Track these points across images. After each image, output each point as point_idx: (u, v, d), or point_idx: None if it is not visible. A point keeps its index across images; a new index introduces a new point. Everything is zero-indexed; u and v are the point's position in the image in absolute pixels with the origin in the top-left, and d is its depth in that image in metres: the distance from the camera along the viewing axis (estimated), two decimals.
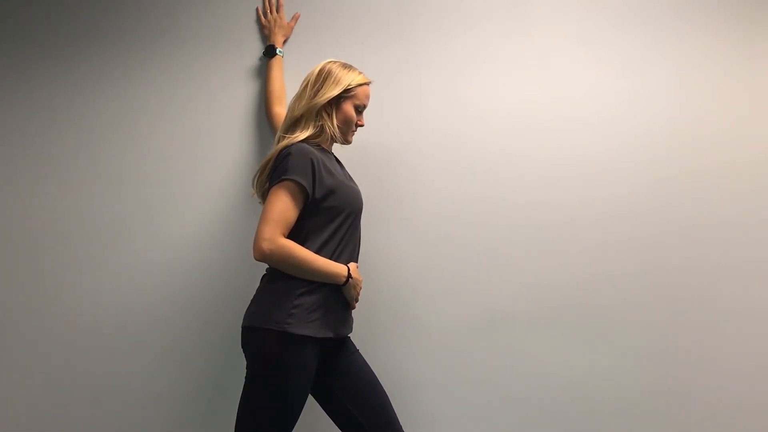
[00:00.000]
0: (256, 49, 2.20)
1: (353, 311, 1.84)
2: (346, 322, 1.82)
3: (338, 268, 1.74)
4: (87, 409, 2.13)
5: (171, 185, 2.17)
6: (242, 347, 1.72)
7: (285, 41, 2.18)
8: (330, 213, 1.74)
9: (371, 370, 1.85)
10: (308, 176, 1.70)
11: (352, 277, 1.76)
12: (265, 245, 1.65)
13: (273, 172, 1.73)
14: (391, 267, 2.11)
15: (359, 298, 1.83)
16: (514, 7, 2.17)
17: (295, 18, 2.19)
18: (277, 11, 2.19)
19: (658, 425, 2.05)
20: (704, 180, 2.11)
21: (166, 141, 2.19)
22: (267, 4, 2.19)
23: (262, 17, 2.19)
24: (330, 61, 1.85)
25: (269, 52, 2.14)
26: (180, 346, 2.11)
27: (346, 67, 1.85)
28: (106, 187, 2.18)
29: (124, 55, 2.22)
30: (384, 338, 2.09)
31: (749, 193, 2.10)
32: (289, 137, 1.77)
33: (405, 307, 2.10)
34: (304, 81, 1.84)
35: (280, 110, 2.07)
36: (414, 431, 2.05)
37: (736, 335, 2.06)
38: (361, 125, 1.90)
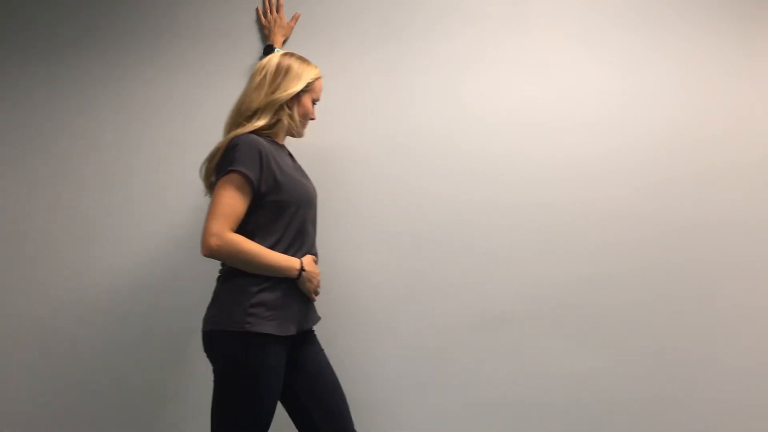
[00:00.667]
0: (256, 48, 2.20)
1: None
2: (308, 315, 1.78)
3: (290, 262, 1.69)
4: (87, 408, 2.13)
5: (171, 185, 2.17)
6: (205, 352, 1.67)
7: (285, 41, 2.18)
8: (278, 207, 1.70)
9: (333, 371, 1.81)
10: (255, 168, 1.65)
11: (305, 270, 1.71)
12: (213, 241, 1.60)
13: (220, 164, 1.69)
14: (391, 267, 2.10)
15: (318, 290, 1.78)
16: (514, 7, 2.17)
17: (295, 18, 2.19)
18: (277, 11, 2.18)
19: (659, 425, 2.05)
20: (704, 180, 2.11)
21: (166, 141, 2.19)
22: (267, 4, 2.19)
23: (262, 17, 2.19)
24: (287, 55, 1.83)
25: (268, 51, 2.13)
26: (179, 346, 2.11)
27: (304, 61, 1.83)
28: (105, 186, 2.18)
29: (124, 54, 2.22)
30: (384, 338, 2.09)
31: (749, 193, 2.10)
32: (241, 128, 1.72)
33: (406, 308, 2.10)
34: (259, 72, 1.78)
35: None
36: (415, 431, 2.06)
37: (736, 335, 2.06)
38: (313, 118, 1.88)
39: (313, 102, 1.86)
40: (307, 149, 2.06)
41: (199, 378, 2.03)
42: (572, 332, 2.07)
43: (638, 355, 2.06)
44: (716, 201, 2.10)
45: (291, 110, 1.80)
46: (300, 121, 1.83)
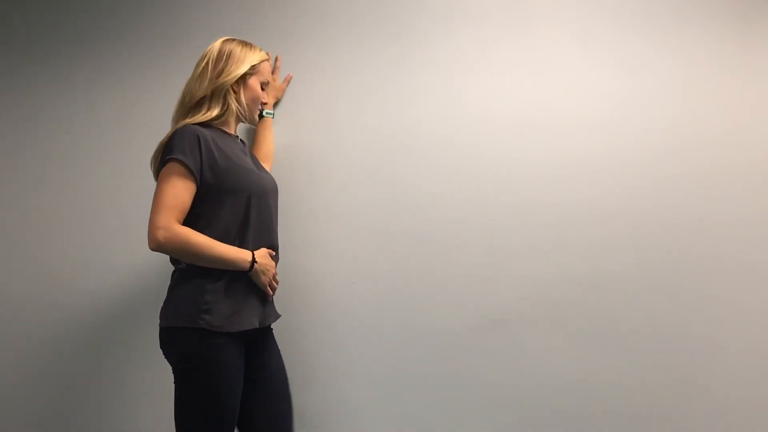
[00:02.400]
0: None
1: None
2: (265, 311, 1.74)
3: (241, 254, 1.63)
4: (85, 408, 2.13)
5: None
6: (161, 349, 1.64)
7: (276, 103, 2.15)
8: (226, 196, 1.65)
9: (285, 374, 1.79)
10: (195, 155, 1.60)
11: (257, 263, 1.66)
12: (160, 234, 1.54)
13: (160, 155, 1.65)
14: (391, 267, 2.11)
15: (275, 285, 1.73)
16: (514, 7, 2.17)
17: (287, 80, 2.16)
18: (273, 72, 2.13)
19: (660, 425, 2.05)
20: (704, 179, 2.10)
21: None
22: None
23: None
24: (227, 40, 1.79)
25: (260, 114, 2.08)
26: None
27: (247, 44, 1.80)
28: (106, 186, 2.19)
29: (125, 55, 2.23)
30: (383, 339, 2.09)
31: (749, 193, 2.10)
32: (188, 119, 1.69)
33: (406, 309, 2.10)
34: (201, 61, 1.76)
35: (267, 167, 2.01)
36: (414, 431, 2.06)
37: (736, 335, 2.06)
38: (265, 102, 1.84)
39: (262, 86, 1.81)
40: (306, 149, 2.07)
41: None
42: (572, 332, 2.08)
43: (639, 354, 2.06)
44: (716, 201, 2.10)
45: (237, 94, 1.75)
46: (248, 106, 1.78)
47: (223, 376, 1.58)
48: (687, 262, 2.08)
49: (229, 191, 1.65)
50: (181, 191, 1.58)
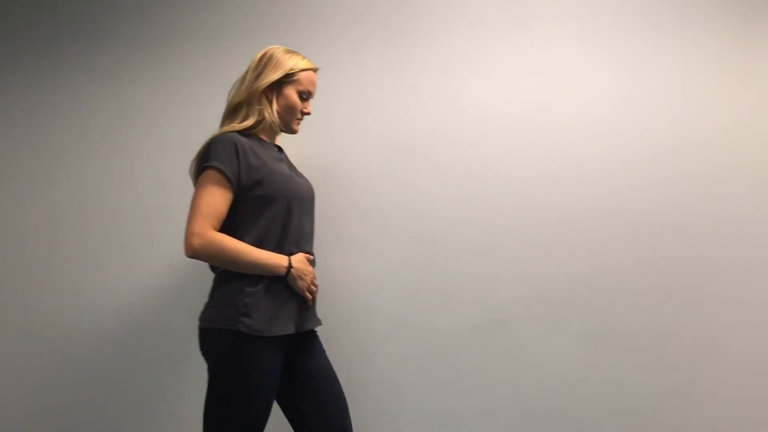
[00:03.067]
0: (256, 48, 2.19)
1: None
2: (305, 315, 1.72)
3: (276, 259, 1.63)
4: (85, 409, 2.13)
5: (170, 185, 2.17)
6: (200, 349, 1.64)
7: None
8: (262, 202, 1.64)
9: (335, 374, 1.77)
10: (232, 163, 1.61)
11: (293, 267, 1.65)
12: (195, 240, 1.55)
13: (198, 163, 1.66)
14: (391, 268, 2.10)
15: (313, 289, 1.71)
16: (514, 7, 2.17)
17: None
18: None
19: (661, 424, 2.05)
20: (704, 179, 2.10)
21: (165, 141, 2.19)
22: None
23: None
24: (274, 47, 1.77)
25: None
26: (180, 347, 2.11)
27: (290, 52, 1.77)
28: (105, 186, 2.19)
29: (124, 54, 2.22)
30: (383, 340, 2.09)
31: (749, 193, 2.10)
32: (225, 127, 1.69)
33: (406, 309, 2.10)
34: (247, 69, 1.76)
35: None
36: (415, 430, 2.06)
37: (737, 335, 2.06)
38: (308, 113, 1.81)
39: (301, 95, 1.77)
40: (306, 149, 2.07)
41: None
42: (572, 332, 2.07)
43: (639, 354, 2.06)
44: (716, 201, 2.10)
45: (270, 101, 1.74)
46: (280, 114, 1.75)
47: (256, 381, 1.58)
48: (687, 262, 2.08)
49: (267, 198, 1.65)
50: (217, 198, 1.59)
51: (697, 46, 2.14)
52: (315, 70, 1.80)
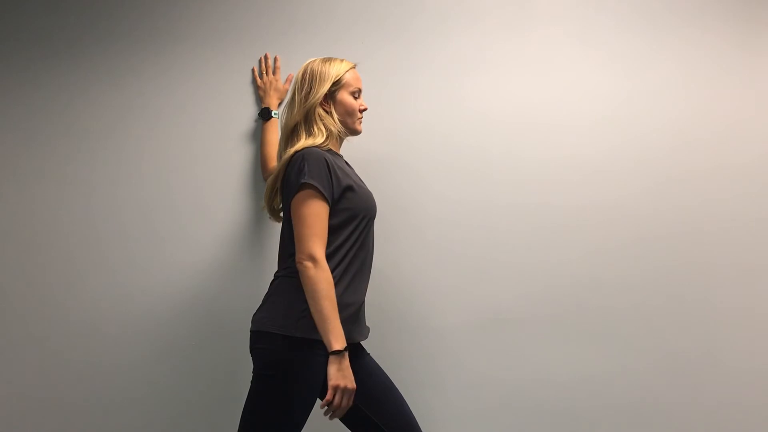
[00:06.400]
0: (256, 48, 2.19)
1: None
2: (359, 326, 1.73)
3: (339, 335, 1.57)
4: (86, 410, 2.13)
5: (171, 186, 2.16)
6: (250, 351, 1.67)
7: (280, 103, 2.15)
8: (345, 216, 1.67)
9: (383, 372, 1.79)
10: (326, 179, 1.64)
11: (343, 358, 1.56)
12: (309, 266, 1.58)
13: (289, 180, 1.67)
14: (391, 268, 2.10)
15: (339, 400, 1.56)
16: (514, 8, 2.17)
17: (289, 80, 2.15)
18: (273, 73, 2.14)
19: (660, 424, 2.05)
20: (705, 180, 2.11)
21: (166, 141, 2.18)
22: (263, 65, 2.15)
23: (258, 78, 2.15)
24: (309, 61, 1.81)
25: (265, 114, 2.09)
26: (181, 348, 2.11)
27: (327, 60, 1.80)
28: (106, 187, 2.18)
29: (125, 54, 2.22)
30: (385, 339, 2.09)
31: (749, 193, 2.10)
32: (294, 146, 1.70)
33: (406, 309, 2.10)
34: (290, 90, 1.78)
35: (274, 167, 1.98)
36: None
37: (737, 336, 2.06)
38: (364, 109, 1.85)
39: (353, 95, 1.81)
40: None
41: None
42: (573, 333, 2.08)
43: (640, 355, 2.06)
44: (716, 201, 2.10)
45: (329, 113, 1.77)
46: (343, 121, 1.79)
47: (302, 387, 1.59)
48: (687, 262, 2.08)
49: (347, 211, 1.68)
50: (323, 218, 1.62)
51: (697, 46, 2.14)
52: (354, 66, 1.84)
